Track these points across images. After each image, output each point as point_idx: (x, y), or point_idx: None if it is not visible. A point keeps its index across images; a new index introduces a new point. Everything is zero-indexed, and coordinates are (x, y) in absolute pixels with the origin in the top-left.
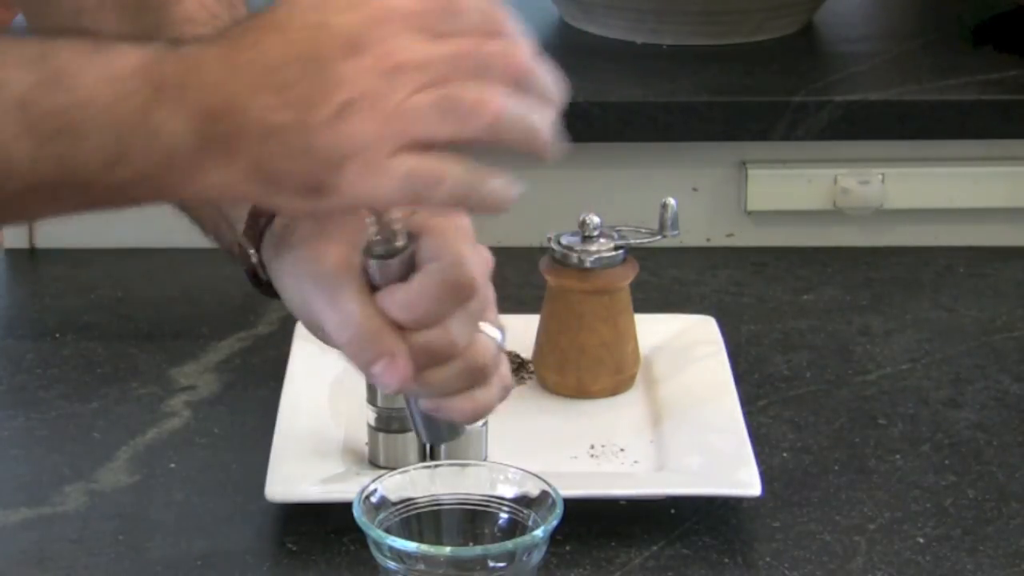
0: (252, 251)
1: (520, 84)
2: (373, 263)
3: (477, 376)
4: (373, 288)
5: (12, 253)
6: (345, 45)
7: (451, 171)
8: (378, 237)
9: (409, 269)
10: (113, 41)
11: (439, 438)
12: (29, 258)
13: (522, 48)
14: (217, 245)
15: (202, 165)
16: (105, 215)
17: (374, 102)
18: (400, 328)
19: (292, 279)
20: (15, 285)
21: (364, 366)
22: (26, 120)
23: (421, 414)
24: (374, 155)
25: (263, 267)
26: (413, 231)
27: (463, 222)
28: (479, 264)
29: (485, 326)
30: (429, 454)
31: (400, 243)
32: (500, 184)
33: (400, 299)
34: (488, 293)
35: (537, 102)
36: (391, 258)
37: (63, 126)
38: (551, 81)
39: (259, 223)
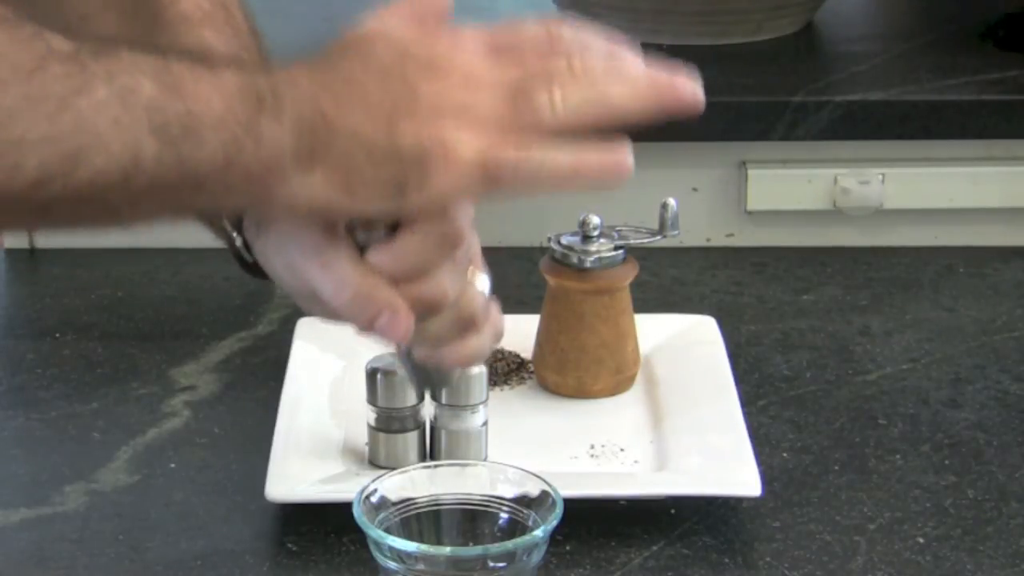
0: (235, 234)
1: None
2: (359, 228)
3: (468, 325)
4: (361, 250)
5: (12, 253)
6: (427, 68)
7: (529, 153)
8: None
9: (394, 228)
10: (216, 61)
11: (431, 385)
12: (29, 258)
13: (587, 52)
14: (211, 232)
15: (294, 172)
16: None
17: (456, 110)
18: (393, 283)
19: (278, 254)
20: (15, 285)
21: (367, 323)
22: (153, 123)
23: (412, 364)
24: (455, 152)
25: (248, 249)
26: None
27: None
28: (464, 215)
29: (473, 275)
30: (430, 449)
31: None
32: (597, 155)
33: (390, 255)
34: (473, 241)
35: (617, 80)
36: (375, 222)
37: (185, 129)
38: (631, 62)
39: None
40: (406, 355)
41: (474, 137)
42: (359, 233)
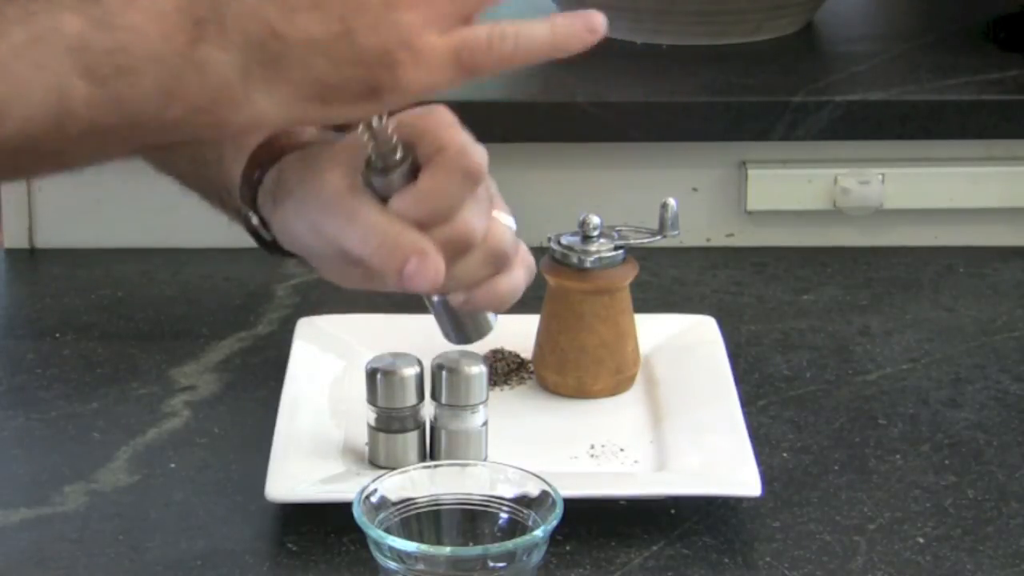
0: (251, 213)
1: None
2: (376, 180)
3: (500, 261)
4: (383, 201)
5: (12, 253)
6: None
7: (502, 31)
8: (376, 153)
9: (411, 179)
10: None
11: (468, 337)
12: (29, 258)
13: None
14: (225, 214)
15: (251, 94)
16: (105, 215)
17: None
18: (420, 228)
19: (299, 221)
20: (15, 285)
21: (396, 270)
22: (81, 63)
23: (449, 315)
24: (423, 42)
25: (265, 226)
26: (408, 141)
27: (453, 120)
28: (480, 152)
29: (497, 213)
30: (430, 449)
31: (398, 156)
32: (569, 20)
33: (412, 198)
34: (491, 185)
35: None
36: (392, 172)
37: (117, 67)
38: None
39: (252, 183)
40: (441, 305)
41: (438, 22)
42: (376, 179)
